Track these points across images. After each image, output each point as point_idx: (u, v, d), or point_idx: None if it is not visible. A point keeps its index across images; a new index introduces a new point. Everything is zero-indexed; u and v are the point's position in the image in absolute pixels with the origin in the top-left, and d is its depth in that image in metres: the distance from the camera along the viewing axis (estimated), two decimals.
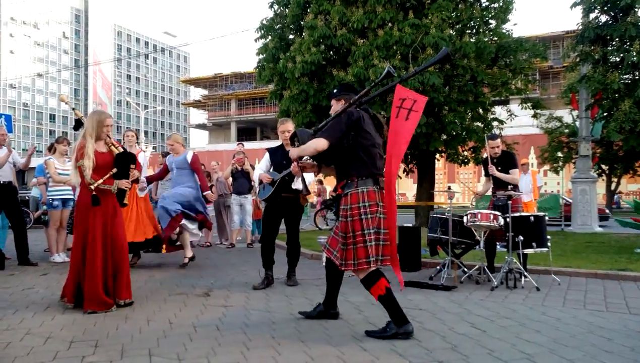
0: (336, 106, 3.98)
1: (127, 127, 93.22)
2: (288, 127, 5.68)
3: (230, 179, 9.90)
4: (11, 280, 5.96)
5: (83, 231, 4.39)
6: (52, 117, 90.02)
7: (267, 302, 4.80)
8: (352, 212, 3.62)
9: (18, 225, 7.10)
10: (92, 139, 4.42)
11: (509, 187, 6.19)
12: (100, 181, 4.39)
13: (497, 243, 6.66)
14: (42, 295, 5.08)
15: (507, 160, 6.36)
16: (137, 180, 4.94)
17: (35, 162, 9.77)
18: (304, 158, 3.93)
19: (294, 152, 3.84)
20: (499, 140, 6.50)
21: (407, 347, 3.34)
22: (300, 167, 4.05)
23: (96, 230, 4.36)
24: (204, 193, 6.95)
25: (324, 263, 4.54)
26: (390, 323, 3.57)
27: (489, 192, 6.72)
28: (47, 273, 6.49)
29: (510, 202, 5.91)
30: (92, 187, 4.34)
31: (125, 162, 4.55)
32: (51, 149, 7.91)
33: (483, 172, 6.78)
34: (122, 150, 4.62)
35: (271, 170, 5.75)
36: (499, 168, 6.31)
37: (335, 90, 4.12)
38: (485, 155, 6.66)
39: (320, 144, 3.60)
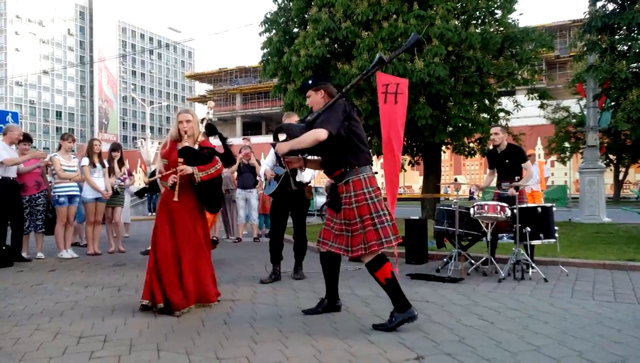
0: (315, 97, 3.90)
1: (132, 123, 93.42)
2: (293, 120, 5.67)
3: (235, 174, 9.90)
4: (20, 276, 6.00)
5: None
6: (59, 114, 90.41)
7: (274, 296, 4.81)
8: (357, 199, 3.63)
9: (17, 222, 7.15)
10: (169, 136, 4.47)
11: (516, 178, 6.15)
12: (157, 176, 4.47)
13: (505, 234, 6.63)
14: (50, 291, 5.11)
15: (515, 154, 6.27)
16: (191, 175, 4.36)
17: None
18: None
19: (284, 146, 3.73)
20: (499, 128, 6.39)
21: (414, 339, 3.34)
22: (287, 162, 3.94)
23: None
24: None
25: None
26: (393, 312, 3.58)
27: (494, 183, 6.68)
28: (56, 269, 6.53)
29: (517, 193, 5.88)
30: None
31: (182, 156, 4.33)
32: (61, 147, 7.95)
33: (488, 164, 6.73)
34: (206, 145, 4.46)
35: (277, 165, 5.75)
36: (507, 161, 6.26)
37: (310, 81, 4.01)
38: (490, 147, 6.62)
39: (321, 134, 3.53)
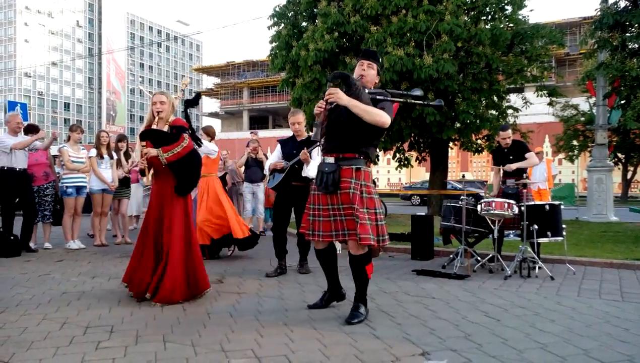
0: (374, 72, 3.73)
1: (140, 116, 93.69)
2: (299, 118, 5.66)
3: (243, 168, 9.92)
4: (27, 266, 6.05)
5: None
6: (67, 106, 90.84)
7: (279, 289, 4.81)
8: (367, 190, 3.60)
9: (28, 213, 7.18)
10: (145, 121, 4.40)
11: (524, 175, 6.13)
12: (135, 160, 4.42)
13: (512, 232, 6.61)
14: (58, 281, 5.15)
15: (518, 149, 6.31)
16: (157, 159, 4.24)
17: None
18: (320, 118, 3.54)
19: (345, 98, 3.39)
20: (509, 131, 6.41)
21: (420, 335, 3.33)
22: (324, 114, 3.56)
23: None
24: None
25: (339, 251, 4.51)
26: (360, 305, 3.68)
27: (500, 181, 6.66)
28: (63, 259, 6.57)
29: (525, 190, 5.85)
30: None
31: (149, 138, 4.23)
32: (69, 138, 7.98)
33: (492, 163, 6.71)
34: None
35: (282, 160, 5.74)
36: (511, 157, 6.25)
37: (379, 57, 3.87)
38: (496, 144, 6.60)
39: (387, 120, 3.41)
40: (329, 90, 3.42)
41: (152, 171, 4.25)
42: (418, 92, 3.81)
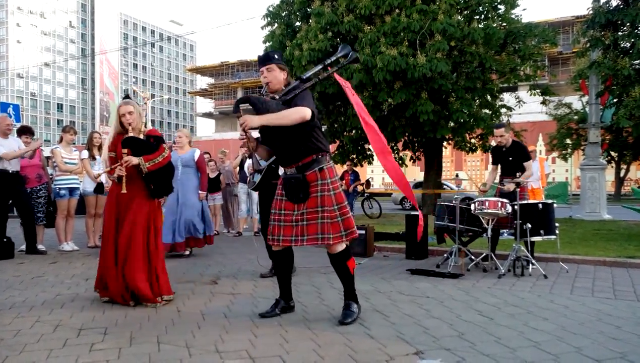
0: (279, 74, 3.68)
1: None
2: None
3: (237, 168, 9.91)
4: (21, 268, 6.02)
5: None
6: (60, 107, 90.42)
7: (274, 289, 4.81)
8: (333, 186, 3.59)
9: (26, 215, 7.15)
10: (113, 129, 4.38)
11: (517, 174, 6.15)
12: (105, 169, 4.36)
13: (505, 231, 6.63)
14: (51, 283, 5.13)
15: (518, 152, 6.27)
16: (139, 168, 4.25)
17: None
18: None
19: (256, 119, 3.35)
20: (503, 128, 6.37)
21: (414, 334, 3.34)
22: (246, 138, 3.56)
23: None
24: (199, 191, 6.99)
25: None
26: (352, 303, 3.69)
27: (497, 180, 6.68)
28: (56, 261, 6.54)
29: (518, 189, 5.87)
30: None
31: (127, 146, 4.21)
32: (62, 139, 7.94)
33: (491, 161, 6.73)
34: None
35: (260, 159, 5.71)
36: (510, 158, 6.26)
37: (276, 55, 3.75)
38: (493, 143, 6.61)
39: (307, 113, 3.36)
40: (239, 121, 3.40)
41: (124, 179, 4.22)
42: (342, 52, 3.68)
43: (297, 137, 3.51)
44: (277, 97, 3.57)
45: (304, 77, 3.55)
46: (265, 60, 3.70)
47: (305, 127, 3.47)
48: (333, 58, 3.66)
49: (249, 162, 5.79)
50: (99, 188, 7.64)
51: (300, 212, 3.58)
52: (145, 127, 4.44)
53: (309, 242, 3.57)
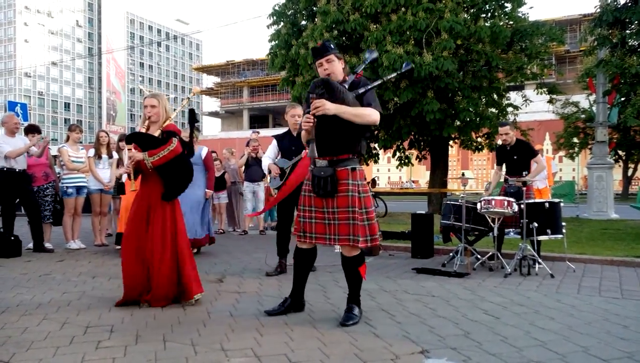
0: (337, 65, 3.59)
1: (140, 115, 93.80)
2: (298, 111, 5.62)
3: (243, 167, 9.92)
4: (28, 266, 6.06)
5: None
6: (67, 106, 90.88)
7: (279, 288, 4.82)
8: (363, 189, 3.55)
9: (33, 213, 7.19)
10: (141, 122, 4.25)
11: (524, 173, 6.13)
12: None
13: (511, 230, 6.61)
14: (58, 281, 5.15)
15: (524, 150, 6.26)
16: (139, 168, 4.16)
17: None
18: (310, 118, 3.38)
19: (332, 108, 3.27)
20: (507, 126, 6.35)
21: (419, 333, 3.34)
22: (311, 123, 3.36)
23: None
24: (206, 190, 6.94)
25: (336, 250, 4.49)
26: (354, 307, 3.65)
27: (502, 179, 6.66)
28: (63, 259, 6.58)
29: (524, 189, 5.85)
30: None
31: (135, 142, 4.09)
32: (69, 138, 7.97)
33: (496, 160, 6.71)
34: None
35: (279, 157, 5.73)
36: (515, 157, 6.23)
37: (332, 45, 3.66)
38: (499, 142, 6.59)
39: (377, 118, 3.38)
40: (313, 103, 3.31)
41: (139, 176, 4.16)
42: (371, 56, 3.81)
43: (350, 133, 3.46)
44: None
45: (384, 79, 3.68)
46: (323, 50, 3.60)
47: (363, 129, 3.49)
48: (393, 75, 3.89)
49: (265, 161, 5.76)
50: (120, 188, 7.31)
51: (331, 210, 3.53)
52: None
53: (341, 242, 3.53)
